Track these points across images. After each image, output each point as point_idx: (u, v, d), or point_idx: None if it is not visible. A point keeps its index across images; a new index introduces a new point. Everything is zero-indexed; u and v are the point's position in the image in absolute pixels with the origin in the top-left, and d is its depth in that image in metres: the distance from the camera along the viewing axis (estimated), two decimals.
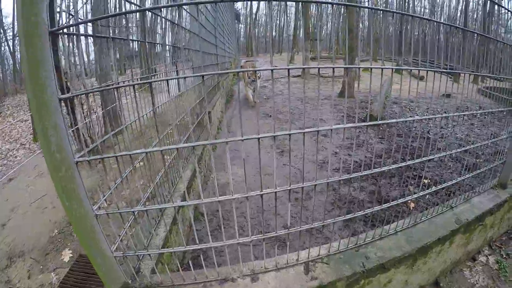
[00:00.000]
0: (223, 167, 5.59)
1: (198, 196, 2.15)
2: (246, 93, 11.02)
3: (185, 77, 1.45)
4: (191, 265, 1.94)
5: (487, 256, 3.14)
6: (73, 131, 4.58)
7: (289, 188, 1.75)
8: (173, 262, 2.71)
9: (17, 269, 3.62)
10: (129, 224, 2.03)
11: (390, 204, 2.29)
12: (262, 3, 59.13)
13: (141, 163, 2.72)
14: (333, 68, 1.59)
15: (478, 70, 2.82)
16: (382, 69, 1.79)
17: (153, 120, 1.55)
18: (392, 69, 1.99)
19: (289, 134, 1.61)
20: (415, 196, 2.47)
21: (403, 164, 2.17)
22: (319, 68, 1.58)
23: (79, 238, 1.60)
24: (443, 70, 2.05)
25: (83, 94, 1.49)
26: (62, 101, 1.36)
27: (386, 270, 2.24)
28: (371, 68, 1.76)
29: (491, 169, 3.29)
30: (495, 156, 3.43)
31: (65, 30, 1.44)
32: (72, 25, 1.48)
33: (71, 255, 3.65)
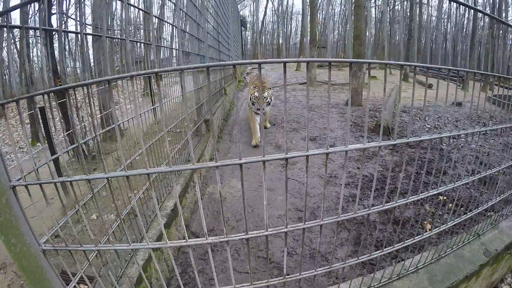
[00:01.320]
0: (221, 179, 5.21)
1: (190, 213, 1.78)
2: (252, 124, 7.60)
3: (182, 69, 1.06)
4: None
5: (510, 285, 2.83)
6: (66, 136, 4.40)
7: (285, 230, 1.35)
8: None
9: None
10: (88, 263, 1.65)
11: (412, 241, 1.87)
12: (268, 10, 59.89)
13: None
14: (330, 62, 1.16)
15: (486, 78, 2.56)
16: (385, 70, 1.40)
17: (153, 127, 1.20)
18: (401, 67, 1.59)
19: (286, 159, 1.20)
20: (442, 228, 2.06)
21: (424, 195, 1.75)
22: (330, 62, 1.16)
23: (25, 277, 1.28)
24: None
25: (28, 97, 1.27)
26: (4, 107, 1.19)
27: None
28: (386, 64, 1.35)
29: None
30: None
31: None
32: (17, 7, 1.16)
33: None
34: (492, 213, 2.90)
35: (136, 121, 1.28)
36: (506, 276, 2.89)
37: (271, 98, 7.41)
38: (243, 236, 1.30)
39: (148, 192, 2.80)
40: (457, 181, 2.02)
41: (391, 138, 5.11)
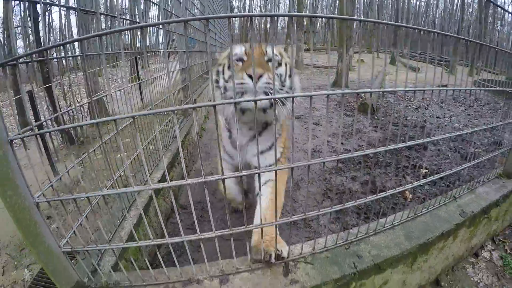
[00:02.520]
0: (208, 156, 5.26)
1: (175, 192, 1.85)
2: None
3: (168, 22, 1.11)
4: (162, 262, 1.64)
5: (490, 252, 2.93)
6: (54, 118, 4.46)
7: (258, 171, 1.42)
8: (142, 259, 2.40)
9: None
10: (87, 213, 1.71)
11: (385, 194, 1.95)
12: None
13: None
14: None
15: (474, 63, 2.65)
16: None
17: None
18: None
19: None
20: (416, 184, 2.14)
21: (394, 146, 1.80)
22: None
23: (19, 232, 1.35)
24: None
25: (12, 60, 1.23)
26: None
27: (382, 271, 1.94)
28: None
29: (491, 159, 3.13)
30: (494, 146, 3.36)
31: None
32: None
33: None
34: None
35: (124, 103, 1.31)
36: (486, 243, 3.00)
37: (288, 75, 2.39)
38: (219, 178, 1.35)
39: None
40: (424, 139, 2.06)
41: (376, 117, 5.26)
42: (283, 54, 2.39)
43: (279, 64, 2.28)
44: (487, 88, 2.75)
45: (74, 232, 1.61)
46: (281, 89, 2.22)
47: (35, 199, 1.33)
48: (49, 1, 1.67)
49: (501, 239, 3.09)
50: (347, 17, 1.35)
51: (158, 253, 1.74)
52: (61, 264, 1.48)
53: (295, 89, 2.23)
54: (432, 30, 1.64)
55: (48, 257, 1.42)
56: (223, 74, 2.32)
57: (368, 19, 1.42)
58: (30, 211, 1.32)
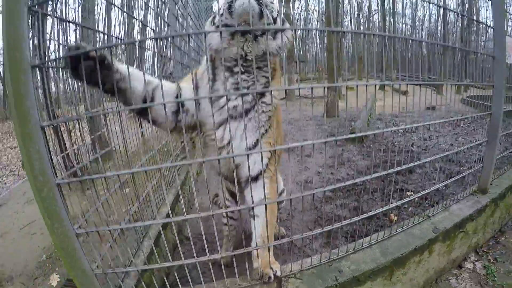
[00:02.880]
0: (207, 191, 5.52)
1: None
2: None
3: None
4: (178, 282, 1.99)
5: (473, 263, 3.12)
6: (62, 156, 4.68)
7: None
8: (155, 283, 2.72)
9: None
10: (111, 242, 2.06)
11: (366, 215, 2.32)
12: None
13: (126, 189, 2.74)
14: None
15: (460, 81, 2.86)
16: (366, 85, 1.79)
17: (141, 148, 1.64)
18: (375, 85, 1.95)
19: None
20: (393, 205, 2.51)
21: (382, 173, 2.16)
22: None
23: (61, 257, 1.66)
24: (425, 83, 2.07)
25: (64, 121, 1.65)
26: (44, 128, 1.48)
27: (361, 283, 2.26)
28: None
29: (472, 174, 3.35)
30: (477, 163, 3.42)
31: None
32: (51, 60, 1.59)
33: (58, 279, 3.66)
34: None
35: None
36: (469, 255, 3.20)
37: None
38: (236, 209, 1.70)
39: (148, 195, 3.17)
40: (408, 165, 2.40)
41: (364, 145, 5.57)
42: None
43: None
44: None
45: (102, 258, 1.92)
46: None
47: (75, 230, 1.63)
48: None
49: (484, 250, 3.28)
50: (337, 29, 1.67)
51: (166, 280, 2.08)
52: (92, 285, 1.77)
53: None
54: (421, 39, 1.92)
55: (83, 279, 1.72)
56: None
57: (359, 31, 1.75)
58: (71, 239, 1.62)
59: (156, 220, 1.62)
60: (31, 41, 1.43)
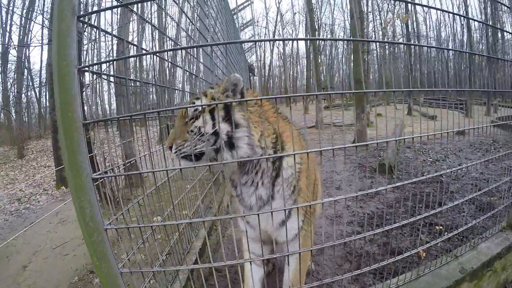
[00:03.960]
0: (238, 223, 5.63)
1: (213, 253, 2.29)
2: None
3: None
4: None
5: None
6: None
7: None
8: None
9: None
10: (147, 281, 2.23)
11: (394, 259, 2.37)
12: (275, 56, 61.20)
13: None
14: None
15: (489, 101, 2.86)
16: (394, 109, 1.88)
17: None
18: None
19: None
20: (420, 248, 2.55)
21: (411, 219, 2.23)
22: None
23: None
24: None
25: (113, 176, 1.86)
26: (95, 179, 1.65)
27: None
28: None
29: (504, 208, 3.29)
30: (508, 194, 3.36)
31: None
32: (101, 10, 1.82)
33: None
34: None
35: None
36: None
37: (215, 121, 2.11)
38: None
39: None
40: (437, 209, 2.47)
41: (394, 177, 5.54)
42: (216, 98, 2.11)
43: (197, 118, 2.08)
44: None
45: None
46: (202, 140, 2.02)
47: (120, 269, 1.77)
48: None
49: None
50: (362, 39, 1.74)
51: None
52: None
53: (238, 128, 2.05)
54: (446, 47, 1.95)
55: None
56: None
57: (385, 41, 1.78)
58: (116, 278, 1.75)
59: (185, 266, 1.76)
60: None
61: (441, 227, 4.46)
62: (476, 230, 3.55)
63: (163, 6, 4.08)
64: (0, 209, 9.61)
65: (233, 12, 9.91)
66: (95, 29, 2.02)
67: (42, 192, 11.36)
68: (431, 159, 8.96)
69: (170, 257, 2.99)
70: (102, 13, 1.88)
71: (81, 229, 1.66)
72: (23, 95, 25.59)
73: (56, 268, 4.69)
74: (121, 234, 1.90)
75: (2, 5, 25.13)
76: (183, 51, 4.12)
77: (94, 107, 1.92)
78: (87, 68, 1.70)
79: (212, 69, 4.95)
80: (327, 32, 50.01)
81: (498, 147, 9.28)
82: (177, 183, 3.19)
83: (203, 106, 2.03)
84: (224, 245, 4.66)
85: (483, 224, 4.03)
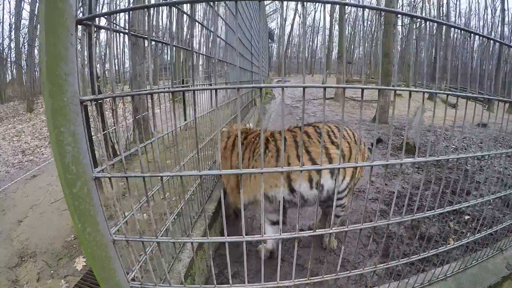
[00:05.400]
0: None
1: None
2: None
3: (218, 89, 1.27)
4: None
5: None
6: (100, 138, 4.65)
7: (313, 233, 1.50)
8: None
9: (27, 270, 3.53)
10: (149, 251, 1.78)
11: (436, 251, 2.10)
12: (296, 23, 60.35)
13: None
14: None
15: None
16: (423, 92, 1.59)
17: (184, 133, 1.39)
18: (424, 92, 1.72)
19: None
20: (464, 241, 2.28)
21: (450, 208, 1.97)
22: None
23: (92, 266, 1.37)
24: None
25: (109, 97, 1.28)
26: (84, 104, 1.18)
27: None
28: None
29: None
30: None
31: (95, 23, 1.22)
32: (104, 14, 1.24)
33: (84, 263, 3.51)
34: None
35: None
36: None
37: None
38: (278, 237, 1.47)
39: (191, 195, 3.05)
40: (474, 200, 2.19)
41: (418, 157, 5.17)
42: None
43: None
44: None
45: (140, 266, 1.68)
46: None
47: (113, 236, 1.35)
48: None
49: None
50: (390, 9, 1.47)
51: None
52: None
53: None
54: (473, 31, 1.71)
55: None
56: None
57: (415, 14, 1.53)
58: (106, 248, 1.33)
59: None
60: None
61: (469, 217, 4.31)
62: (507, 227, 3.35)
63: None
64: (3, 161, 9.42)
65: None
66: None
67: (48, 145, 11.18)
68: (454, 146, 8.65)
69: (178, 221, 2.67)
70: None
71: (58, 174, 1.20)
72: (35, 48, 24.87)
73: (52, 224, 4.41)
74: (117, 191, 1.46)
75: None
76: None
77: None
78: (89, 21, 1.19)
79: (235, 29, 4.61)
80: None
81: None
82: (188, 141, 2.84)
83: None
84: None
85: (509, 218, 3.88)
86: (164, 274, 1.81)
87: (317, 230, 1.49)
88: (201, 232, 3.00)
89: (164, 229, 2.22)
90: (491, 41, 1.81)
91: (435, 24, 1.50)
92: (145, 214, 3.43)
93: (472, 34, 1.70)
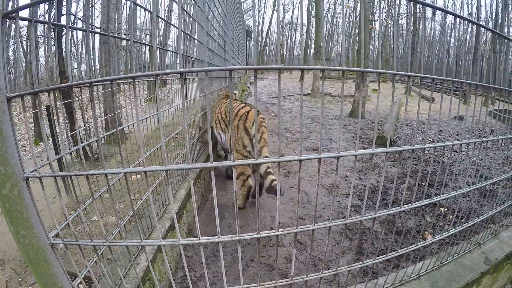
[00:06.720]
0: (224, 187, 5.25)
1: (193, 218, 1.82)
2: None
3: (159, 74, 1.10)
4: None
5: None
6: (69, 136, 4.40)
7: (295, 230, 1.41)
8: None
9: None
10: (97, 257, 1.64)
11: (413, 247, 1.93)
12: (273, 21, 60.42)
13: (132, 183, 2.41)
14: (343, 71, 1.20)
15: (488, 92, 2.58)
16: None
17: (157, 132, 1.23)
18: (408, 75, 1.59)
19: (278, 162, 1.24)
20: (444, 235, 2.11)
21: (428, 201, 1.81)
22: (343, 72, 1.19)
23: (31, 270, 1.27)
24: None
25: (33, 92, 1.20)
26: (10, 101, 1.11)
27: None
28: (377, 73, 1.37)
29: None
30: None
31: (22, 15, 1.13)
32: (28, 6, 1.17)
33: None
34: (491, 225, 2.93)
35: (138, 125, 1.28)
36: (506, 286, 2.91)
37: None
38: (255, 236, 1.34)
39: (151, 195, 2.88)
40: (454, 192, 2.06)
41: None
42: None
43: None
44: None
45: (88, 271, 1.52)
46: None
47: (51, 240, 1.26)
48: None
49: None
50: (364, 69, 1.36)
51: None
52: None
53: None
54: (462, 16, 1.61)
55: None
56: None
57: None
58: (44, 252, 1.24)
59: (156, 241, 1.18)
60: None
61: (446, 209, 4.22)
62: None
63: None
64: None
65: None
66: None
67: (20, 149, 10.90)
68: (430, 139, 8.65)
69: (140, 223, 2.48)
70: None
71: None
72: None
73: None
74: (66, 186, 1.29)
75: None
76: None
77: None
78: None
79: (207, 29, 4.64)
80: (329, 3, 49.36)
81: (496, 136, 9.20)
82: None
83: None
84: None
85: (488, 210, 3.87)
86: (119, 279, 1.75)
87: (280, 230, 1.35)
88: (163, 233, 2.87)
89: (117, 231, 2.05)
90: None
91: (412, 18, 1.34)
92: (114, 217, 3.27)
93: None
